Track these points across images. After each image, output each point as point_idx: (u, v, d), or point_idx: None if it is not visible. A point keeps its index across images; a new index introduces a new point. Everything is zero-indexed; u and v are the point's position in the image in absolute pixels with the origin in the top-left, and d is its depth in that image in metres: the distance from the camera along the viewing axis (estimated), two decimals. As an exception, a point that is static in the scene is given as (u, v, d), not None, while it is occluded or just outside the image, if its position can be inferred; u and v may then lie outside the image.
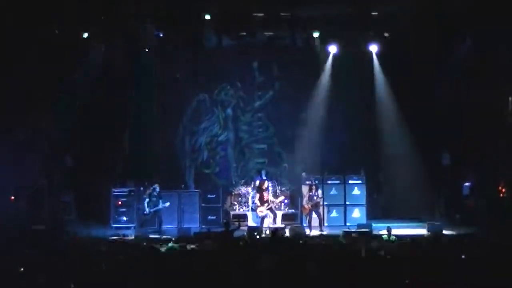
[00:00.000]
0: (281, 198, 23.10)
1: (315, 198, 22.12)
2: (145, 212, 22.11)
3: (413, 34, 22.95)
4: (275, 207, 22.68)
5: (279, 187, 24.24)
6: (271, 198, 22.36)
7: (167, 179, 23.46)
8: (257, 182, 23.88)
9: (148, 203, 22.09)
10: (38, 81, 21.01)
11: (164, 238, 20.09)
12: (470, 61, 22.79)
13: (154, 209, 22.07)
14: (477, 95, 22.71)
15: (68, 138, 23.06)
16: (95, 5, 21.60)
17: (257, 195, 22.41)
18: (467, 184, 23.32)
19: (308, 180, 23.24)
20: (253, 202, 23.16)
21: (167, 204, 22.37)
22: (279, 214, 22.99)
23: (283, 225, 21.99)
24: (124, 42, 23.33)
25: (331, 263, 13.46)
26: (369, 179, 24.12)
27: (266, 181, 22.67)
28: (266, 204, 22.07)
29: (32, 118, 20.58)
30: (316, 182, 22.93)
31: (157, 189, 22.30)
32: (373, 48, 24.35)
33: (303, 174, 24.34)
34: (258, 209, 22.25)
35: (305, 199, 22.39)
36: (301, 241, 18.20)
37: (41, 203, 20.58)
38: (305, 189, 22.99)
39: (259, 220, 22.08)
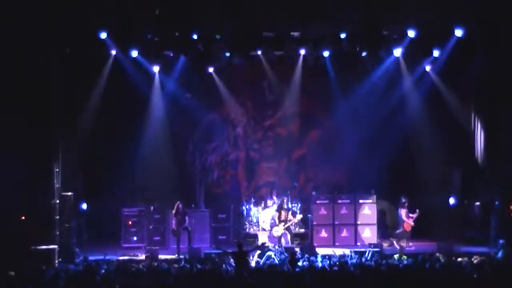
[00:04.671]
0: (299, 216, 23.00)
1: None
2: (174, 232, 22.08)
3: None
4: (293, 225, 22.65)
5: (296, 205, 24.06)
6: (289, 217, 22.30)
7: (177, 198, 23.33)
8: (269, 202, 23.96)
9: (176, 221, 22.05)
10: (49, 102, 21.03)
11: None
12: (480, 80, 22.79)
13: (182, 227, 22.03)
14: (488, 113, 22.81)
15: (80, 159, 23.05)
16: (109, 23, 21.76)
17: (277, 214, 22.39)
18: (478, 203, 23.21)
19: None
20: (272, 221, 23.09)
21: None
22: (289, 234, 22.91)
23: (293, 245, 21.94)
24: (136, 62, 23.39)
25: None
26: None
27: (285, 200, 22.62)
28: (282, 224, 22.04)
29: (45, 138, 20.60)
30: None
31: (181, 206, 22.23)
32: (384, 68, 24.33)
33: (313, 193, 24.34)
34: (274, 229, 22.24)
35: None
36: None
37: (53, 224, 20.58)
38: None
39: (276, 240, 22.02)
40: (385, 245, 22.47)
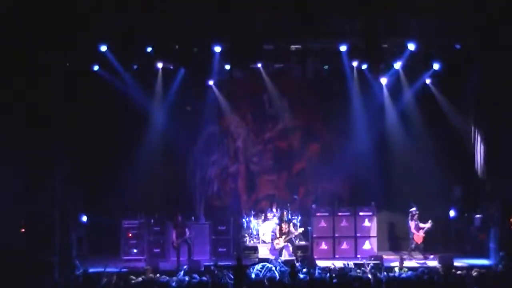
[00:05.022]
0: (301, 229, 23.03)
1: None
2: (174, 244, 22.08)
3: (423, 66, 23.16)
4: (294, 238, 22.68)
5: (297, 218, 24.04)
6: (291, 229, 22.32)
7: (177, 210, 23.29)
8: (269, 214, 23.95)
9: (176, 233, 22.06)
10: (46, 111, 21.04)
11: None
12: (480, 93, 22.82)
13: (182, 239, 22.03)
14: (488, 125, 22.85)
15: (80, 171, 23.05)
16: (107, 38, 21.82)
17: (277, 227, 22.40)
18: (478, 215, 23.17)
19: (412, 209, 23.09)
20: (273, 233, 23.09)
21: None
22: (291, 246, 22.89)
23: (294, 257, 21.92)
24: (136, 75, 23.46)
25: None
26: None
27: (285, 212, 22.66)
28: (284, 236, 22.07)
29: (45, 151, 20.61)
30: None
31: (180, 218, 22.26)
32: (384, 81, 24.36)
33: (313, 205, 24.33)
34: (275, 241, 22.26)
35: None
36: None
37: (52, 236, 20.57)
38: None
39: (277, 252, 22.01)
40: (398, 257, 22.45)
